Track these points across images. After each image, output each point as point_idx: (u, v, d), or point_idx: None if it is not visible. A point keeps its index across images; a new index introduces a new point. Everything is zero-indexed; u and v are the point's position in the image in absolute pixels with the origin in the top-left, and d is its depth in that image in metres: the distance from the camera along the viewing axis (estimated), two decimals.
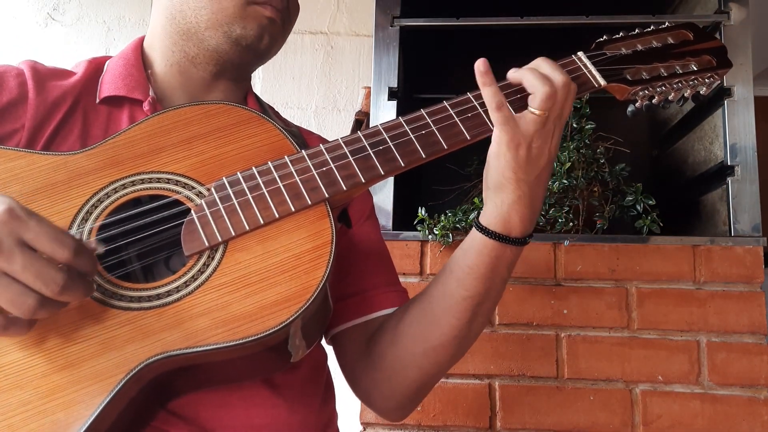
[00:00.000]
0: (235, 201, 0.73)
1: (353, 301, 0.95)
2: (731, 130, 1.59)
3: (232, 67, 0.92)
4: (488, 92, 0.77)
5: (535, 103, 0.76)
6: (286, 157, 0.76)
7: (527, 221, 0.79)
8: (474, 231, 0.81)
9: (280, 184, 0.74)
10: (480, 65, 0.77)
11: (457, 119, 0.79)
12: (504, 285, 0.85)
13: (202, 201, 0.73)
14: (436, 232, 1.54)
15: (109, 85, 0.88)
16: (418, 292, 0.90)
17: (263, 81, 2.21)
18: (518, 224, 0.79)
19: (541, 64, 0.79)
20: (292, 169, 0.75)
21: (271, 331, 0.66)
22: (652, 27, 0.90)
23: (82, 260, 0.60)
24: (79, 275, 0.60)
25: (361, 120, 1.83)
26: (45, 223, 0.58)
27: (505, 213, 0.78)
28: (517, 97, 0.79)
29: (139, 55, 0.93)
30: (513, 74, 0.80)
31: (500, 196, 0.78)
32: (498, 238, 0.79)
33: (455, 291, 0.83)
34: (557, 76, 0.77)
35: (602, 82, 0.83)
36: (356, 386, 0.96)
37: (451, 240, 1.53)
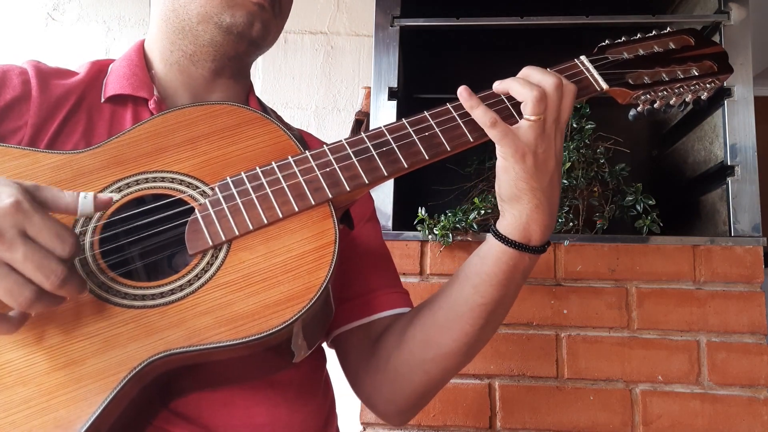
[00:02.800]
0: (239, 201, 0.73)
1: (356, 302, 0.95)
2: (731, 130, 1.59)
3: (230, 62, 0.92)
4: (478, 113, 0.77)
5: (527, 110, 0.76)
6: (289, 157, 0.76)
7: (546, 228, 0.80)
8: (491, 239, 0.81)
9: (284, 185, 0.74)
10: (462, 92, 0.78)
11: (460, 121, 0.79)
12: (518, 292, 0.85)
13: (206, 200, 0.73)
14: (436, 232, 1.54)
15: (114, 85, 0.88)
16: (430, 296, 0.90)
17: (263, 81, 2.20)
18: (538, 232, 0.79)
19: (530, 72, 0.79)
20: (296, 170, 0.75)
21: (274, 330, 0.66)
22: (654, 32, 0.90)
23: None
24: (76, 271, 0.60)
25: (361, 120, 1.83)
26: (49, 218, 0.59)
27: (524, 222, 0.78)
28: (508, 110, 0.79)
29: (142, 56, 0.94)
30: (499, 85, 0.80)
31: (517, 206, 0.78)
32: (518, 247, 0.79)
33: (471, 297, 0.83)
34: (547, 79, 0.77)
35: (604, 85, 0.83)
36: (358, 388, 0.96)
37: (451, 240, 1.53)
